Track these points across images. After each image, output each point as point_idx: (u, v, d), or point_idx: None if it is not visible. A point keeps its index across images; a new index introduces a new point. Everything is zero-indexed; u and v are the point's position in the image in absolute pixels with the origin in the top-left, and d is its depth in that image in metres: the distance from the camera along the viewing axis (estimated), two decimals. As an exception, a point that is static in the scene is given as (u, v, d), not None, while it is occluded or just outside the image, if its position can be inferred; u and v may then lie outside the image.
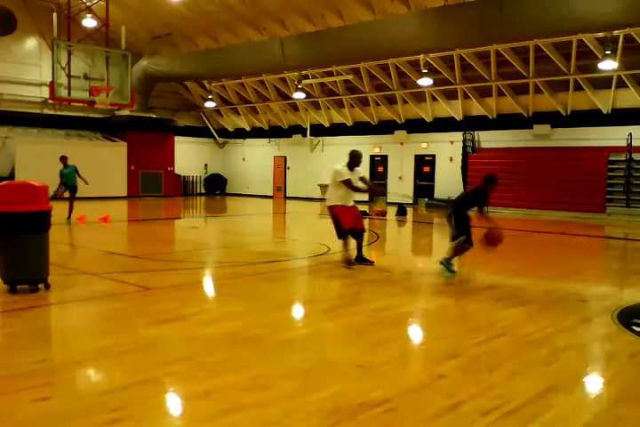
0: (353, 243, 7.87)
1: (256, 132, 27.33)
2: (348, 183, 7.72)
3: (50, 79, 16.31)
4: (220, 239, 12.18)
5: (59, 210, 13.15)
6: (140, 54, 22.65)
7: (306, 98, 22.42)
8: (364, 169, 8.27)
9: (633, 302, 5.86)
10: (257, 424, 2.96)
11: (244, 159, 28.40)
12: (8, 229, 5.68)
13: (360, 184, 7.96)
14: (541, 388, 3.47)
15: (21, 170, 19.99)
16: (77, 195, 13.72)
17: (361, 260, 7.89)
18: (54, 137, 22.73)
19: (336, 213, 7.76)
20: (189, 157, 27.35)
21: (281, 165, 26.79)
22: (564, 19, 12.44)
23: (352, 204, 7.96)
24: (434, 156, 21.68)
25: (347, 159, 7.94)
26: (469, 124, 20.27)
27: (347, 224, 7.66)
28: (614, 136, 16.98)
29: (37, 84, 22.30)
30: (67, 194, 13.47)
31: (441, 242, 13.04)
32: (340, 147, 24.30)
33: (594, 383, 3.83)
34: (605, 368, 4.09)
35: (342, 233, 7.73)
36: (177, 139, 25.88)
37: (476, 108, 19.93)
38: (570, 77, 17.06)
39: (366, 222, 15.72)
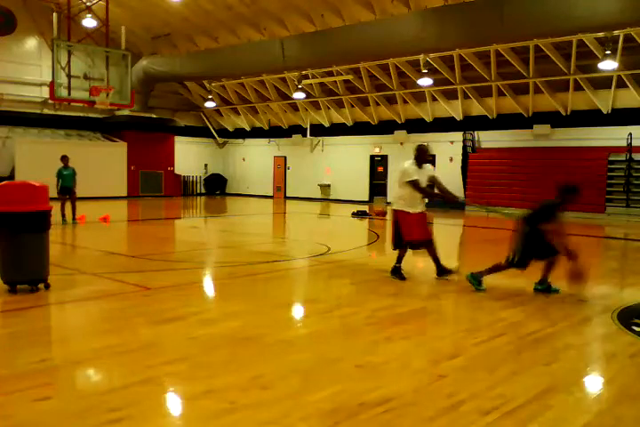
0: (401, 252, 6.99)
1: (256, 132, 27.34)
2: (415, 185, 6.71)
3: (50, 79, 16.33)
4: (219, 239, 12.18)
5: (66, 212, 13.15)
6: (139, 54, 22.66)
7: (306, 98, 22.41)
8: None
9: (633, 302, 5.86)
10: (257, 424, 2.96)
11: (243, 159, 28.41)
12: (8, 229, 5.68)
13: (436, 187, 6.97)
14: (541, 388, 3.47)
15: (21, 170, 19.99)
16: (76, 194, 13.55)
17: (444, 272, 6.95)
18: (54, 137, 22.74)
19: (398, 220, 6.87)
20: (189, 157, 27.36)
21: (281, 165, 26.80)
22: (564, 19, 12.43)
23: (420, 209, 6.90)
24: (434, 156, 21.61)
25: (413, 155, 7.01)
26: (469, 124, 20.27)
27: (409, 235, 6.76)
28: (614, 136, 16.98)
29: (37, 84, 22.29)
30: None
31: (441, 242, 13.02)
32: (340, 147, 24.35)
33: (594, 383, 3.83)
34: (605, 368, 4.09)
35: (400, 244, 6.91)
36: (177, 139, 25.89)
37: (476, 108, 19.93)
38: (570, 77, 17.06)
39: (366, 222, 15.77)
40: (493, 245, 11.35)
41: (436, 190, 7.24)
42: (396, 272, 6.98)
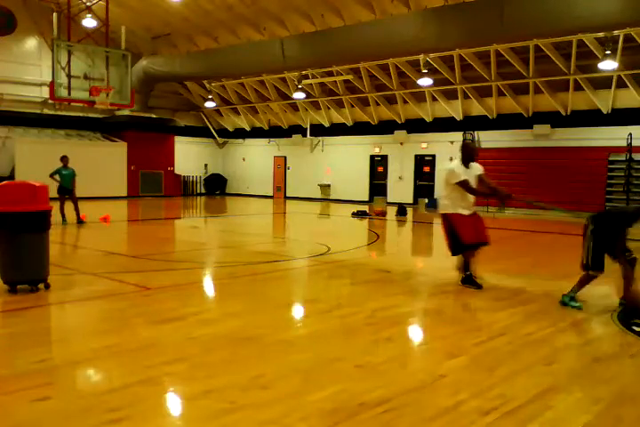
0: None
1: (256, 133, 27.33)
2: (464, 185, 6.32)
3: (50, 79, 16.31)
4: (219, 239, 12.18)
5: (69, 212, 13.10)
6: (139, 54, 22.65)
7: (306, 98, 22.41)
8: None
9: (633, 302, 5.85)
10: (256, 424, 2.96)
11: (243, 159, 28.41)
12: (8, 229, 5.68)
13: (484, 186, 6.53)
14: (541, 388, 3.47)
15: (21, 170, 19.99)
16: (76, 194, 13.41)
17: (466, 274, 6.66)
18: (54, 137, 22.73)
19: (453, 224, 6.41)
20: (189, 157, 27.36)
21: (281, 165, 26.79)
22: (564, 19, 12.43)
23: (472, 210, 6.52)
24: (434, 156, 21.67)
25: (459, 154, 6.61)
26: (469, 124, 20.25)
27: (468, 238, 6.32)
28: (614, 136, 16.98)
29: (37, 84, 22.29)
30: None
31: (440, 242, 13.04)
32: (340, 147, 24.35)
33: (594, 383, 3.82)
34: (605, 368, 4.08)
35: (460, 248, 6.46)
36: (177, 139, 25.89)
37: (476, 108, 19.93)
38: (570, 77, 17.05)
39: (366, 222, 15.77)
40: (494, 245, 11.35)
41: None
42: (469, 281, 6.49)
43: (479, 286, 6.41)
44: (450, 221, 6.46)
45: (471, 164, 6.50)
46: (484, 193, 6.64)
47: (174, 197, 25.37)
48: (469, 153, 6.54)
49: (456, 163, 6.51)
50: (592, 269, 5.57)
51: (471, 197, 6.50)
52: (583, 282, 5.68)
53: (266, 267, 7.90)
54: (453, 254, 6.60)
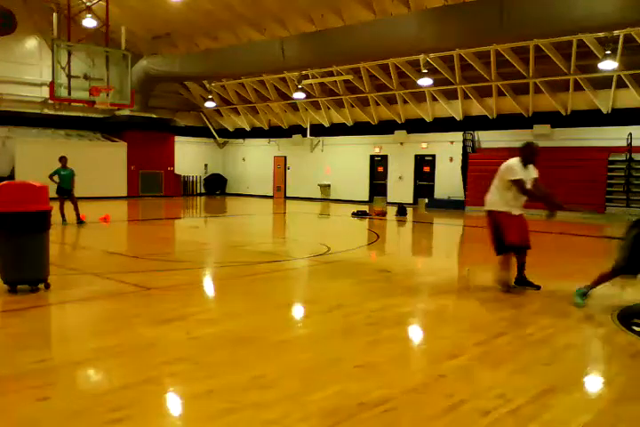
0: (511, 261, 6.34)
1: (256, 133, 27.34)
2: (519, 184, 6.14)
3: (50, 79, 16.33)
4: (219, 239, 12.18)
5: (69, 212, 13.07)
6: (140, 54, 22.64)
7: (306, 98, 22.41)
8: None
9: (633, 302, 5.86)
10: (257, 424, 2.96)
11: (243, 159, 28.41)
12: (8, 229, 5.68)
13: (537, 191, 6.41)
14: (541, 388, 3.47)
15: (21, 170, 20.00)
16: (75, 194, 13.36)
17: (524, 283, 6.42)
18: (54, 137, 22.73)
19: (500, 223, 6.23)
20: (189, 157, 27.36)
21: (281, 165, 26.80)
22: (564, 19, 12.44)
23: (520, 211, 6.32)
24: (434, 156, 21.68)
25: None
26: (469, 124, 20.26)
27: (512, 238, 6.14)
28: (614, 136, 16.98)
29: (37, 84, 22.28)
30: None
31: (440, 242, 13.06)
32: (340, 147, 24.35)
33: (594, 383, 3.83)
34: (605, 368, 4.09)
35: (503, 248, 6.28)
36: (177, 139, 25.88)
37: (476, 108, 19.93)
38: (570, 77, 17.06)
39: (366, 222, 15.77)
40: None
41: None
42: (524, 282, 6.38)
43: (538, 287, 6.34)
44: (496, 219, 6.29)
45: (529, 166, 6.33)
46: (535, 196, 6.39)
47: (174, 197, 25.36)
48: (530, 154, 6.32)
49: (515, 161, 6.30)
50: (625, 271, 5.48)
51: (523, 198, 6.32)
52: (599, 281, 5.64)
53: (266, 267, 7.90)
54: (498, 254, 6.40)
